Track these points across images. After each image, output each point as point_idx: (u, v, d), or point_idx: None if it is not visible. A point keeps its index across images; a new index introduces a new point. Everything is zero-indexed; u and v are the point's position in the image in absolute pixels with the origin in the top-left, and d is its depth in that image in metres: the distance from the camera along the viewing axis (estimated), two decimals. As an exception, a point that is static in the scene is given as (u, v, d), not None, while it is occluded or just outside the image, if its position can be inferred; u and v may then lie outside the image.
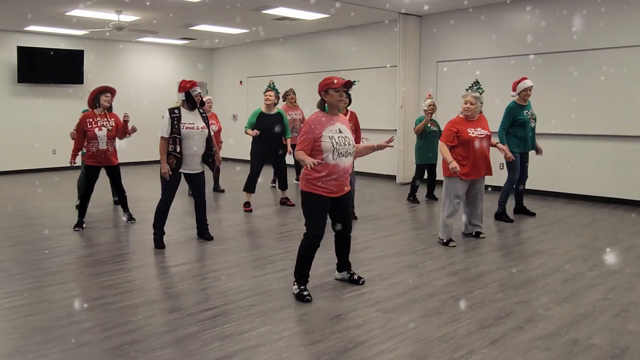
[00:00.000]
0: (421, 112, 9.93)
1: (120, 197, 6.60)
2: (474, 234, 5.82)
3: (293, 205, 7.68)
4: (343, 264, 4.37)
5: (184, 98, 5.32)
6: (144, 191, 9.18)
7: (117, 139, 6.39)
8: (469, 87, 5.69)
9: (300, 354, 3.12)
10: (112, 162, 6.32)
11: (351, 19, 10.29)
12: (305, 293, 3.98)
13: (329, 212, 4.03)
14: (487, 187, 6.62)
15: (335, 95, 3.89)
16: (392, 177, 10.43)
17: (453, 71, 9.57)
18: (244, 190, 7.47)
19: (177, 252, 5.34)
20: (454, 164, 5.25)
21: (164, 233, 5.55)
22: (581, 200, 8.07)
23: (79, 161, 6.60)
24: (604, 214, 7.10)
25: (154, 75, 13.71)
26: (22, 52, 11.44)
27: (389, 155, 10.31)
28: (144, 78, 13.53)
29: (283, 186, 7.73)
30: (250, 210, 7.40)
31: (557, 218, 6.86)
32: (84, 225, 6.37)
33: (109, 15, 9.57)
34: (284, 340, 3.30)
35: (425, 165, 7.94)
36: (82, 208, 6.34)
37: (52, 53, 11.76)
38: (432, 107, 7.76)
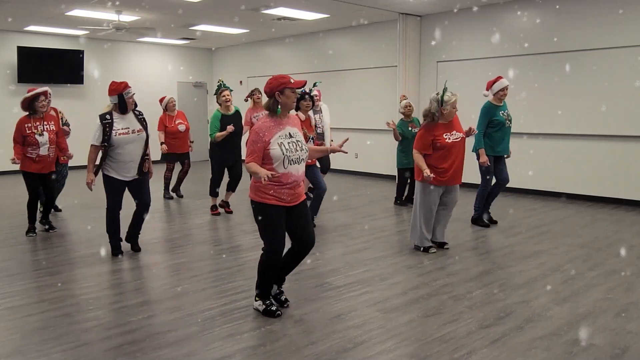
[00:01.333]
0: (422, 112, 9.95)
1: (48, 202, 6.16)
2: (438, 244, 5.40)
3: (231, 212, 7.21)
4: (281, 276, 3.82)
5: (115, 102, 4.85)
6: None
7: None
8: (444, 89, 5.08)
9: (300, 354, 3.12)
10: (50, 168, 5.92)
11: (351, 19, 10.28)
12: (274, 308, 3.68)
13: (286, 223, 3.60)
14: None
15: (292, 95, 3.52)
16: (392, 177, 10.42)
17: (453, 71, 9.56)
18: (210, 195, 7.18)
19: (177, 252, 5.34)
20: (427, 172, 4.91)
21: (120, 240, 5.23)
22: (581, 200, 8.07)
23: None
24: (604, 214, 7.10)
25: (154, 75, 13.69)
26: (22, 52, 11.44)
27: (389, 156, 10.31)
28: (144, 78, 13.50)
29: (232, 189, 7.22)
30: (218, 214, 7.14)
31: (557, 218, 6.86)
32: (37, 230, 6.09)
33: (109, 15, 9.57)
34: (284, 340, 3.30)
35: (408, 169, 7.56)
36: (32, 213, 6.02)
37: (52, 53, 11.76)
38: (408, 108, 7.64)
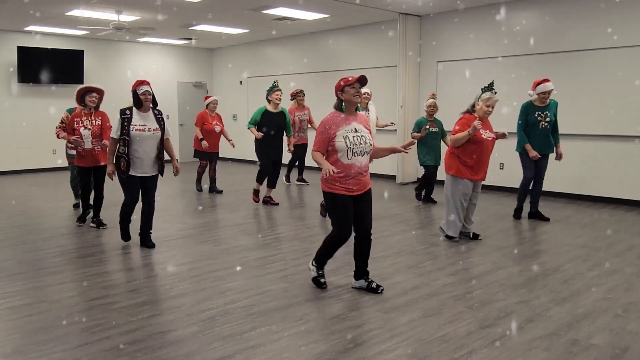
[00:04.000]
0: (422, 113, 9.92)
1: (97, 199, 6.36)
2: (471, 235, 5.73)
3: (276, 204, 7.72)
4: (361, 269, 4.17)
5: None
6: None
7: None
8: (487, 88, 5.50)
9: (300, 354, 3.12)
10: (98, 161, 6.19)
11: (351, 19, 10.29)
12: (323, 280, 4.15)
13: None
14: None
15: (350, 91, 3.91)
16: (392, 177, 10.43)
17: (453, 71, 9.56)
18: (256, 181, 7.71)
19: (177, 252, 5.34)
20: (474, 123, 5.17)
21: (130, 221, 5.53)
22: (581, 200, 8.07)
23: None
24: (604, 214, 7.10)
25: (154, 75, 13.66)
26: (22, 52, 11.44)
27: (388, 155, 10.31)
28: (144, 78, 13.48)
29: (272, 185, 7.72)
30: (258, 201, 7.77)
31: (557, 218, 6.86)
32: (87, 218, 6.49)
33: (109, 15, 9.57)
34: (284, 340, 3.30)
35: (429, 165, 7.72)
36: (85, 203, 6.44)
37: (52, 53, 11.76)
38: (432, 108, 7.67)
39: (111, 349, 3.18)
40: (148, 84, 5.22)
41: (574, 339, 3.31)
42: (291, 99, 9.33)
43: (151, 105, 5.24)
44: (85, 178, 6.28)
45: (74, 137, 6.04)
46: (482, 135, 5.36)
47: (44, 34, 11.80)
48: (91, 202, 6.52)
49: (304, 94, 9.35)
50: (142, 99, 5.13)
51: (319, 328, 3.48)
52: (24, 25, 10.96)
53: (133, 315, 3.69)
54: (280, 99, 7.44)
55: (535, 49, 8.40)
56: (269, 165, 7.49)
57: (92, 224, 6.43)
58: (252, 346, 3.21)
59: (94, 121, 6.12)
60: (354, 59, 11.10)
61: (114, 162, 5.20)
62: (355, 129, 3.92)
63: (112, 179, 5.24)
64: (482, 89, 5.52)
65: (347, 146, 3.83)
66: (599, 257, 5.07)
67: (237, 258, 5.11)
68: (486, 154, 5.44)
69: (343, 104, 3.97)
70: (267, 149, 7.43)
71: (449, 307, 3.83)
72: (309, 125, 9.44)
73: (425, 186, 7.99)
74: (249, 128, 7.47)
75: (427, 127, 7.62)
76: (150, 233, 5.52)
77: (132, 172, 5.17)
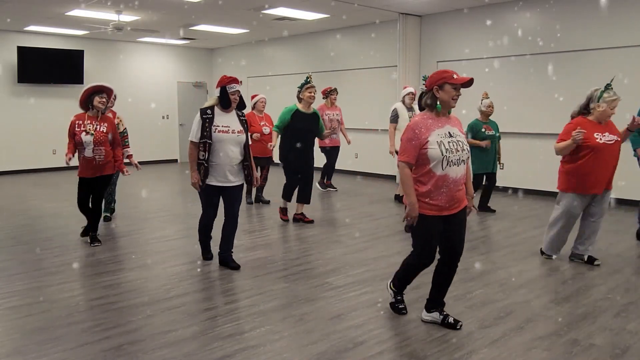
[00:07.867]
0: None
1: (94, 213, 5.57)
2: (586, 259, 4.90)
3: (312, 221, 6.61)
4: (435, 300, 3.55)
5: (219, 95, 4.60)
6: (134, 190, 9.17)
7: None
8: (607, 86, 4.72)
9: (300, 354, 3.12)
10: (102, 171, 5.43)
11: (351, 19, 10.29)
12: (401, 306, 3.69)
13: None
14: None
15: (451, 91, 3.21)
16: (392, 177, 10.43)
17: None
18: (282, 198, 6.65)
19: (177, 252, 5.34)
20: (575, 133, 4.43)
21: (210, 238, 5.00)
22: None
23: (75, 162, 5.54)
24: (604, 214, 7.09)
25: (154, 75, 13.69)
26: (22, 52, 11.44)
27: (388, 156, 10.31)
28: (144, 78, 13.52)
29: (304, 199, 6.53)
30: (287, 220, 6.70)
31: (557, 218, 6.84)
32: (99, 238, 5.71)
33: (109, 15, 9.57)
34: (284, 340, 3.31)
35: (483, 174, 6.93)
36: (87, 216, 5.64)
37: (52, 53, 11.76)
38: (491, 108, 6.88)
39: (111, 349, 3.18)
40: (238, 82, 4.66)
41: (574, 339, 3.31)
42: (323, 97, 8.69)
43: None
44: (81, 192, 5.47)
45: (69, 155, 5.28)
46: (598, 141, 4.62)
47: (44, 34, 11.80)
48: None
49: (337, 93, 8.70)
50: (232, 99, 4.59)
51: (319, 328, 3.48)
52: (24, 25, 10.96)
53: (133, 315, 3.69)
54: (314, 98, 6.32)
55: (536, 49, 8.40)
56: (296, 179, 6.45)
57: (91, 241, 5.58)
58: (252, 346, 3.21)
59: (98, 126, 5.33)
60: (354, 59, 11.10)
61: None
62: (449, 132, 3.26)
63: (198, 189, 4.59)
64: (605, 87, 4.72)
65: (442, 154, 3.18)
66: (599, 257, 5.07)
67: (237, 258, 5.11)
68: (606, 161, 4.67)
69: (437, 102, 3.30)
70: (296, 158, 6.32)
71: (449, 307, 3.82)
72: (340, 128, 8.48)
73: (483, 197, 7.16)
74: (277, 130, 6.45)
75: (483, 130, 6.85)
76: (232, 252, 4.86)
77: (210, 182, 4.54)
